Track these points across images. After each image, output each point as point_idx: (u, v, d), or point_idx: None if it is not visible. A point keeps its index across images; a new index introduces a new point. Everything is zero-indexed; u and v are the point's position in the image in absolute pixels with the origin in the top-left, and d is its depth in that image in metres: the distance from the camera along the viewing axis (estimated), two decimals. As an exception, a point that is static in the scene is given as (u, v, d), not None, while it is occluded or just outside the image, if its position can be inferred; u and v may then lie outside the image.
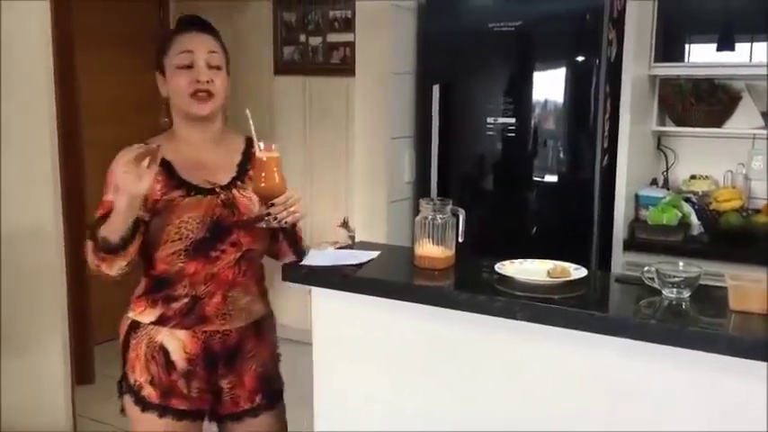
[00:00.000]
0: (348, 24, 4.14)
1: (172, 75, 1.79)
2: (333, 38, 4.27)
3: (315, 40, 4.32)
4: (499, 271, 1.74)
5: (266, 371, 1.92)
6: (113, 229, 1.64)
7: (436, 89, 3.17)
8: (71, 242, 2.83)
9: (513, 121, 3.06)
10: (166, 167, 1.76)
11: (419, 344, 1.77)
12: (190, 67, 1.77)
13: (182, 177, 1.78)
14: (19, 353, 2.81)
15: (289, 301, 4.50)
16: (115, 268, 1.69)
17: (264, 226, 1.76)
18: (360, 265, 1.85)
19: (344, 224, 4.06)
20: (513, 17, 3.01)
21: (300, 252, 1.91)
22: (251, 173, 1.83)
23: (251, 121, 1.80)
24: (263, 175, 1.73)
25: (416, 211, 1.89)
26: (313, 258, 1.89)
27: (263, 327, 1.91)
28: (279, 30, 4.41)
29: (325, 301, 1.87)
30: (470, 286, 1.74)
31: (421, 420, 1.78)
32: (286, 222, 1.76)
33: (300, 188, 4.40)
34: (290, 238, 1.89)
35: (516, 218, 3.16)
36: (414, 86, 3.34)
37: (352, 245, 2.31)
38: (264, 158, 1.73)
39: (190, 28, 1.83)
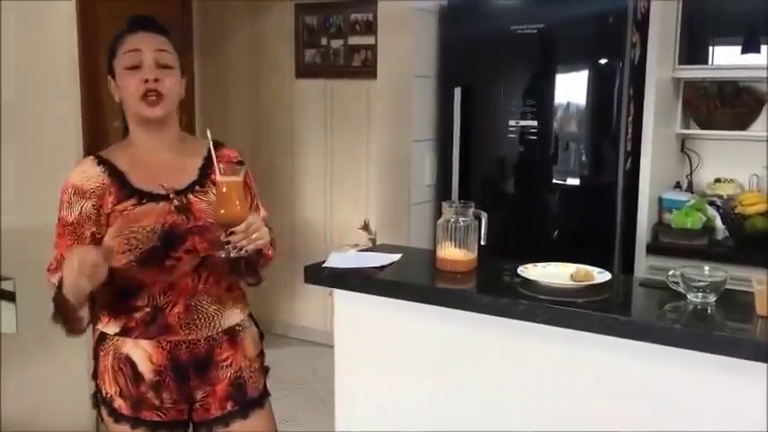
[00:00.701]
0: (369, 27, 4.15)
1: (121, 77, 1.70)
2: (354, 41, 4.28)
3: (336, 43, 4.34)
4: (522, 274, 1.73)
5: (241, 377, 1.82)
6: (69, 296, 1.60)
7: (458, 92, 3.16)
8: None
9: (535, 123, 3.05)
10: (119, 178, 1.71)
11: (441, 346, 1.77)
12: (138, 67, 1.68)
13: (134, 186, 1.71)
14: (42, 353, 2.84)
15: (309, 303, 4.53)
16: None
17: (224, 255, 1.66)
18: (381, 268, 1.85)
19: (365, 227, 4.07)
20: (535, 20, 2.99)
21: (260, 277, 1.85)
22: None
23: (210, 142, 1.69)
24: (221, 201, 1.63)
25: (438, 213, 1.89)
26: (335, 260, 1.90)
27: (239, 334, 1.83)
28: (300, 33, 4.42)
29: (346, 303, 1.88)
30: (493, 289, 1.74)
31: (442, 422, 1.78)
32: (246, 251, 1.66)
33: (321, 191, 4.46)
34: (252, 264, 1.80)
35: (538, 221, 3.14)
36: (435, 89, 3.34)
37: (373, 247, 2.31)
38: (223, 184, 1.62)
39: (138, 28, 1.74)
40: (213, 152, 1.68)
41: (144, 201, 1.70)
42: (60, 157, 2.82)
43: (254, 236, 1.65)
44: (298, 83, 4.48)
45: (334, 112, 4.39)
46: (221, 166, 1.64)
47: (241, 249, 1.65)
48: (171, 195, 1.72)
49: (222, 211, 1.63)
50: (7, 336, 2.44)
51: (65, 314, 1.63)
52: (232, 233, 1.63)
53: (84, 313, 1.66)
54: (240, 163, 1.82)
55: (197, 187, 1.75)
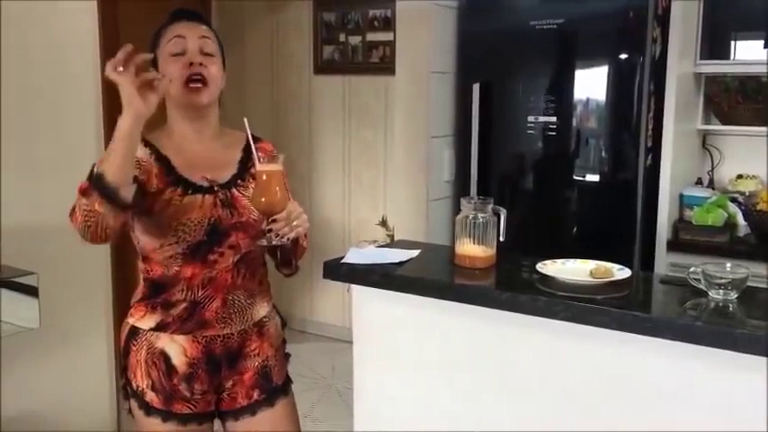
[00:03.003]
0: (387, 23, 4.15)
1: (164, 63, 1.70)
2: (372, 37, 4.28)
3: (354, 40, 4.34)
4: (540, 270, 1.73)
5: (267, 366, 1.84)
6: (111, 165, 1.49)
7: (476, 88, 3.16)
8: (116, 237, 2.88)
9: (554, 119, 3.04)
10: (163, 163, 1.70)
11: (459, 343, 1.77)
12: (182, 54, 1.69)
13: (179, 174, 1.70)
14: (63, 346, 2.87)
15: (327, 299, 4.54)
16: (101, 225, 1.51)
17: (266, 244, 1.67)
18: (400, 264, 1.85)
19: (383, 223, 4.07)
20: (555, 15, 2.98)
21: (296, 267, 1.84)
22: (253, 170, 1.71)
23: (248, 131, 1.69)
24: (262, 189, 1.63)
25: (456, 210, 1.89)
26: (353, 256, 1.90)
27: (265, 326, 1.85)
28: (319, 29, 4.43)
29: (365, 299, 1.88)
30: (511, 286, 1.73)
31: (461, 418, 1.78)
32: (288, 239, 1.67)
33: (339, 187, 4.47)
34: (287, 254, 1.81)
35: (557, 217, 3.13)
36: (454, 85, 3.34)
37: (392, 243, 2.31)
38: (263, 172, 1.62)
39: (181, 18, 1.75)
40: (252, 141, 1.68)
41: (190, 191, 1.69)
42: (81, 155, 2.85)
43: (294, 223, 1.67)
44: (316, 79, 4.49)
45: (352, 108, 4.40)
46: (261, 154, 1.65)
47: (283, 237, 1.66)
48: (216, 188, 1.72)
49: (263, 200, 1.63)
50: (29, 331, 2.47)
51: (103, 189, 1.50)
52: (274, 221, 1.64)
53: (128, 193, 1.53)
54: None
55: (239, 181, 1.76)
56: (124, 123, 1.50)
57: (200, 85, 1.69)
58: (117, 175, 1.50)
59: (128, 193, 1.53)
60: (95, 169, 1.51)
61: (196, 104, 1.71)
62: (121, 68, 1.47)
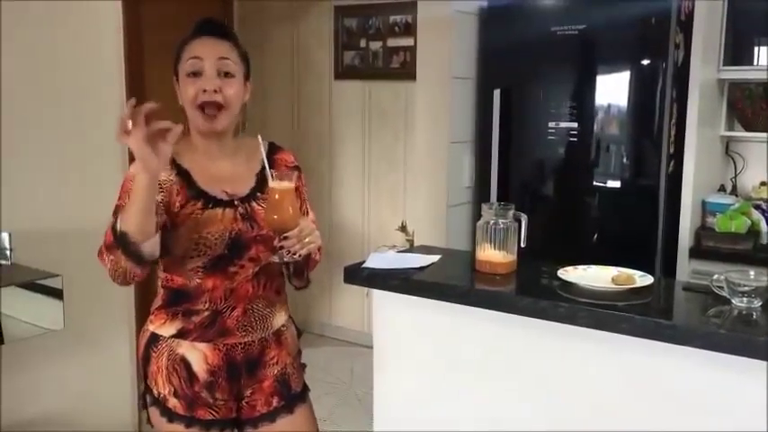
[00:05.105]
0: (408, 29, 4.16)
1: (182, 82, 1.71)
2: (393, 42, 4.29)
3: (375, 45, 4.35)
4: (562, 277, 1.72)
5: (285, 374, 1.86)
6: (132, 221, 1.52)
7: (497, 93, 3.16)
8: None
9: (575, 125, 3.03)
10: (185, 177, 1.71)
11: (479, 348, 1.77)
12: (199, 74, 1.69)
13: (200, 188, 1.71)
14: (86, 348, 2.90)
15: (346, 303, 4.55)
16: (129, 274, 1.58)
17: (278, 260, 1.70)
18: (421, 269, 1.86)
19: (402, 228, 4.08)
20: (576, 21, 2.97)
21: (307, 281, 1.85)
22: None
23: (262, 148, 1.71)
24: (274, 207, 1.64)
25: (476, 215, 1.89)
26: (374, 261, 1.91)
27: (283, 334, 1.86)
28: (340, 35, 4.45)
29: (385, 303, 1.88)
30: (532, 291, 1.73)
31: (480, 423, 1.78)
32: (300, 255, 1.68)
33: (359, 192, 4.48)
34: (299, 267, 1.81)
35: (578, 224, 3.12)
36: (474, 91, 3.34)
37: (412, 248, 2.32)
38: (275, 190, 1.64)
39: (203, 32, 1.73)
40: (266, 159, 1.69)
41: (210, 205, 1.71)
42: (105, 159, 2.88)
43: (306, 240, 1.67)
44: (336, 84, 4.51)
45: (373, 113, 4.41)
46: (273, 172, 1.66)
47: (294, 254, 1.67)
48: (236, 202, 1.73)
49: (275, 217, 1.64)
50: (53, 332, 2.51)
51: (125, 245, 1.54)
52: (285, 238, 1.65)
53: (152, 248, 1.57)
54: (296, 168, 1.84)
55: (258, 194, 1.77)
56: (141, 180, 1.50)
57: (215, 112, 1.69)
58: (139, 231, 1.53)
59: (152, 247, 1.57)
60: (118, 227, 1.54)
61: (209, 131, 1.73)
62: (130, 125, 1.45)
